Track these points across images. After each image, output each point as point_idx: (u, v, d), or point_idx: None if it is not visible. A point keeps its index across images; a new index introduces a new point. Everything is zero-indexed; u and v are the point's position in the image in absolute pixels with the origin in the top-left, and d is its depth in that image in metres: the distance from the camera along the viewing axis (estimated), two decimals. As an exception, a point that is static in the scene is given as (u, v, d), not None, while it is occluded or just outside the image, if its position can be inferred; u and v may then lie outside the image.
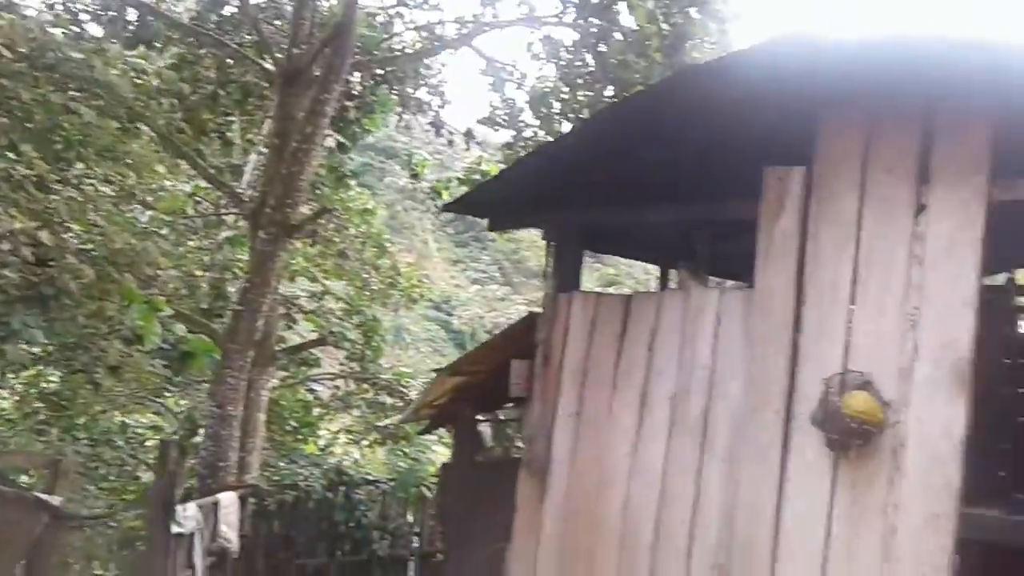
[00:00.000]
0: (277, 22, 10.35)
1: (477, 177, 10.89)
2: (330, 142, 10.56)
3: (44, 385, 9.51)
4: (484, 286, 23.48)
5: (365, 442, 11.36)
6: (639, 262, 8.57)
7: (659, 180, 5.05)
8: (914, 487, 3.95)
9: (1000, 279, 7.33)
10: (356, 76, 10.61)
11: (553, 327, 5.31)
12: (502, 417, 8.22)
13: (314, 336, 11.19)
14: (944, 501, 3.89)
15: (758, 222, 4.50)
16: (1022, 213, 5.20)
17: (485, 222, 6.12)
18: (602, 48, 9.89)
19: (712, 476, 4.53)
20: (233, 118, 10.55)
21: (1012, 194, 3.97)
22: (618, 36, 9.73)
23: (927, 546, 3.89)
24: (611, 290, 11.56)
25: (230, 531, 6.64)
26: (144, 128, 8.73)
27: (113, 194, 8.77)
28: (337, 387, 11.91)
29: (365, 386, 11.48)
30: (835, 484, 4.13)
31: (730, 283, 6.64)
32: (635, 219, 5.31)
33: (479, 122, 11.58)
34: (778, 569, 4.23)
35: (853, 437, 3.98)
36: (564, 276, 5.47)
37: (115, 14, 9.69)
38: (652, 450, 4.75)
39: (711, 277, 6.20)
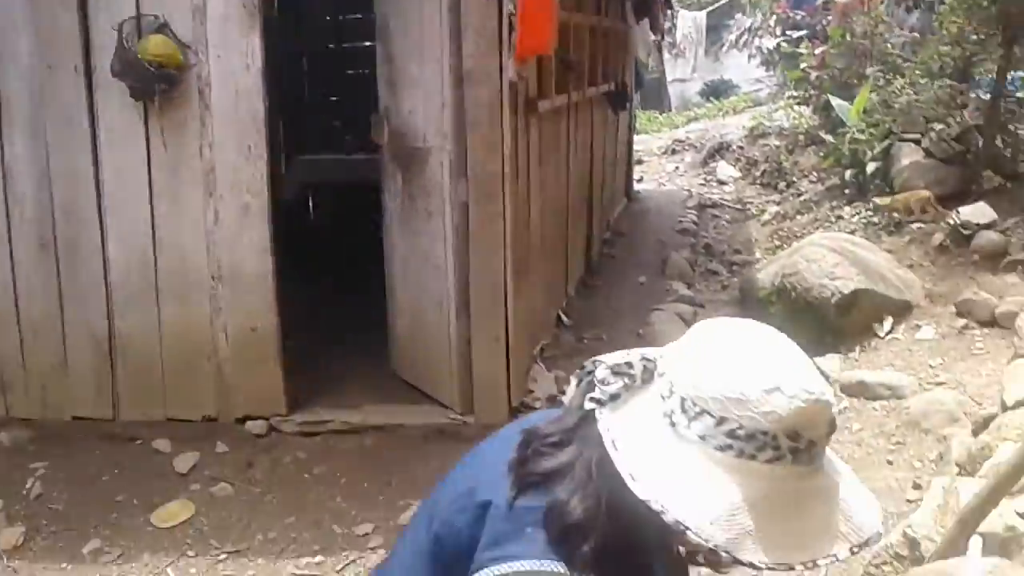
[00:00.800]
0: None
1: None
2: None
3: None
4: None
5: None
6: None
7: None
8: (225, 123, 4.06)
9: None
10: None
11: None
12: None
13: None
14: (253, 131, 4.08)
15: None
16: None
17: None
18: None
19: (18, 151, 4.14)
20: None
21: None
22: None
23: (244, 175, 4.11)
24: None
25: None
26: None
27: None
28: None
29: None
30: (149, 134, 4.07)
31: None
32: None
33: None
34: (107, 228, 4.17)
35: (155, 82, 3.90)
36: None
37: None
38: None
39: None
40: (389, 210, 4.75)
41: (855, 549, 1.09)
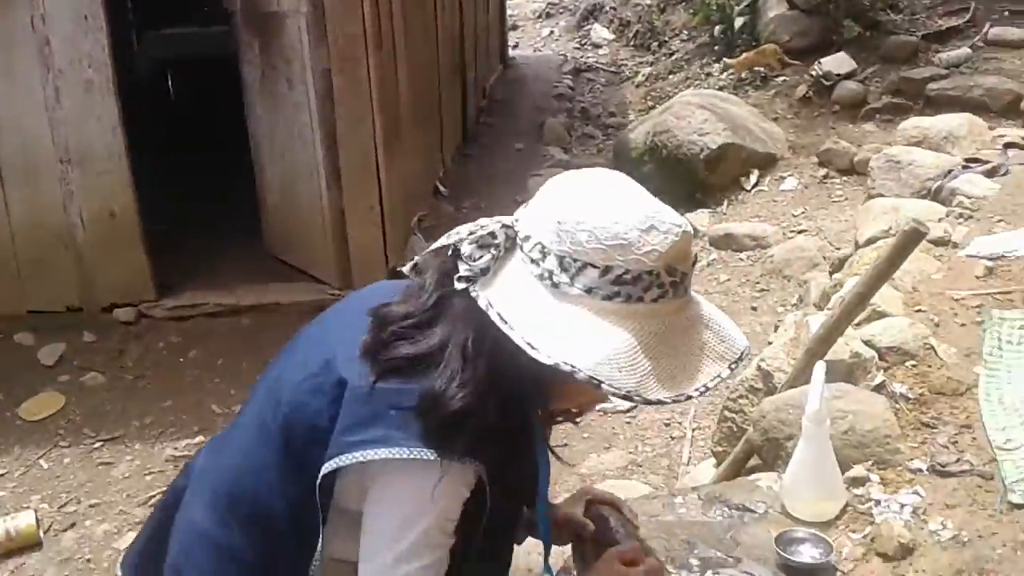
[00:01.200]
0: None
1: None
2: None
3: None
4: None
5: None
6: None
7: None
8: (55, -7, 3.75)
9: None
10: None
11: None
12: None
13: None
14: (90, 2, 3.77)
15: None
16: None
17: None
18: None
19: None
20: None
21: None
22: None
23: (84, 49, 3.84)
24: None
25: None
26: None
27: None
28: None
29: None
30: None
31: None
32: None
33: None
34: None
35: (-31, -56, 3.54)
36: None
37: None
38: None
39: None
40: (249, 82, 4.53)
41: (733, 366, 1.12)
